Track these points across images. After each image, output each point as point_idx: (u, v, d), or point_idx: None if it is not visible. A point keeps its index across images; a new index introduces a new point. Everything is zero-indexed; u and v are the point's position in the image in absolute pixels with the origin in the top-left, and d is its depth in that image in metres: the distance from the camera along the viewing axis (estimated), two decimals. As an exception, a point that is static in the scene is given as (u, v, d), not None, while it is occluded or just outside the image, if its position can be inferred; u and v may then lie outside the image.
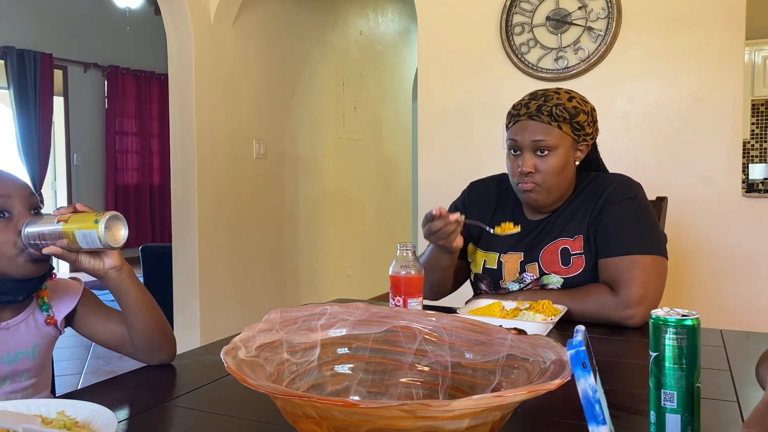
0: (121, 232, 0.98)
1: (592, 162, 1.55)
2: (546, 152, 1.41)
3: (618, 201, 1.41)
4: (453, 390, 0.78)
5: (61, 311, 1.10)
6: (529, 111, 1.42)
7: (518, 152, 1.44)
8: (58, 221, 0.97)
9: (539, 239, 1.48)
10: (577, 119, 1.41)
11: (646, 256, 1.35)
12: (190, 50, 3.45)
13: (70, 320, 1.14)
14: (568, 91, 1.45)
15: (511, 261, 1.50)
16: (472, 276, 1.61)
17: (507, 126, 1.49)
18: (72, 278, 1.17)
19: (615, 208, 1.41)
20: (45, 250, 0.97)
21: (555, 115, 1.40)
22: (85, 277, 1.27)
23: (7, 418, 0.70)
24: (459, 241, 1.40)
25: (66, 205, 6.85)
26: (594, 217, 1.43)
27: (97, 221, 0.94)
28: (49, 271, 1.07)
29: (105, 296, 1.23)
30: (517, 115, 1.45)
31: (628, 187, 1.44)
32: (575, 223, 1.45)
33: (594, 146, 1.53)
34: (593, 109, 1.46)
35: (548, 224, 1.48)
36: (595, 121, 1.46)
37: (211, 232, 3.59)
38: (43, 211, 1.06)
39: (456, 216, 1.35)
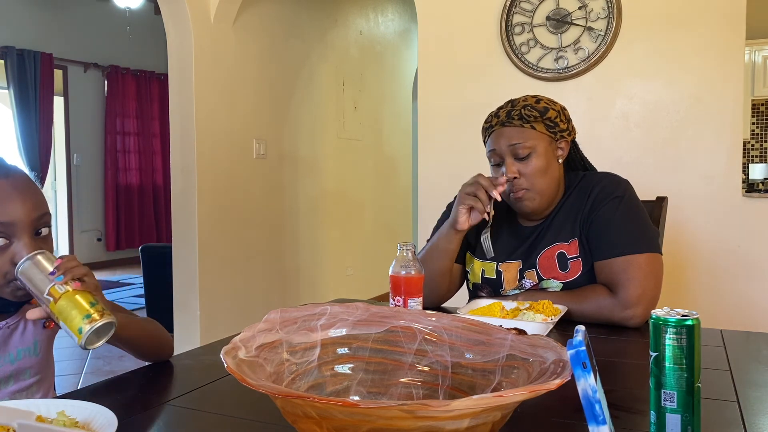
0: (103, 340, 0.89)
1: (577, 162, 1.56)
2: (526, 155, 1.42)
3: (606, 201, 1.41)
4: (453, 390, 0.78)
5: None
6: (500, 119, 1.45)
7: (499, 162, 1.46)
8: (49, 294, 0.87)
9: (535, 245, 1.48)
10: (547, 115, 1.42)
11: (641, 254, 1.35)
12: (190, 50, 3.45)
13: None
14: (534, 95, 1.48)
15: (510, 270, 1.49)
16: (470, 285, 1.60)
17: (484, 141, 1.51)
18: None
19: (604, 209, 1.41)
20: (28, 315, 0.91)
21: (525, 116, 1.42)
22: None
23: (2, 414, 0.70)
24: (465, 225, 1.42)
25: (66, 205, 6.69)
26: (584, 218, 1.43)
27: (81, 330, 0.84)
28: None
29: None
30: (490, 126, 1.48)
31: (615, 185, 1.44)
32: (569, 226, 1.45)
33: (575, 145, 1.54)
34: (563, 108, 1.48)
35: (543, 229, 1.48)
36: (568, 120, 1.48)
37: (211, 232, 3.59)
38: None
39: (496, 194, 1.38)
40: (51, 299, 0.86)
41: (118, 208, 7.65)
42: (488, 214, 1.40)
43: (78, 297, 0.86)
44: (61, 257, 0.91)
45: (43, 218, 0.99)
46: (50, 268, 0.89)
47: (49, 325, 1.08)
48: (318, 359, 0.80)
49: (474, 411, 0.58)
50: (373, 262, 5.25)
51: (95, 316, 0.85)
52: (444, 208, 1.67)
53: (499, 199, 1.38)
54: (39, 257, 0.90)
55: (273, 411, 0.76)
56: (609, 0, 2.67)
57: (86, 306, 0.85)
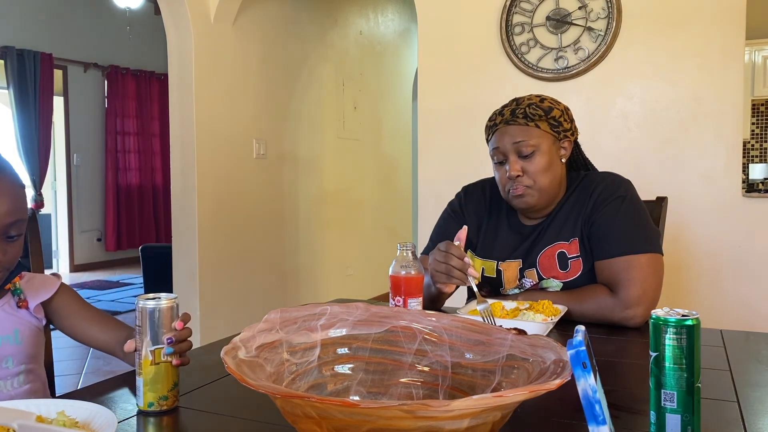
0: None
1: (579, 163, 1.56)
2: (530, 153, 1.42)
3: (609, 201, 1.41)
4: (453, 390, 0.78)
5: (36, 299, 1.12)
6: (504, 118, 1.45)
7: (503, 160, 1.45)
8: (152, 351, 0.87)
9: (535, 244, 1.48)
10: (551, 114, 1.43)
11: (642, 255, 1.35)
12: (190, 50, 3.45)
13: (50, 316, 1.15)
14: (539, 95, 1.48)
15: (510, 269, 1.49)
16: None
17: (487, 139, 1.51)
18: (53, 275, 1.18)
19: (606, 209, 1.41)
20: (126, 347, 0.96)
21: (530, 115, 1.42)
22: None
23: (2, 414, 0.70)
24: (451, 288, 1.35)
25: (66, 205, 6.70)
26: (586, 218, 1.43)
27: (150, 404, 0.86)
28: (17, 271, 1.08)
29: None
30: (494, 125, 1.48)
31: (618, 185, 1.44)
32: (570, 225, 1.45)
33: (577, 146, 1.54)
34: (567, 108, 1.49)
35: (543, 228, 1.48)
36: (572, 120, 1.48)
37: (211, 232, 3.59)
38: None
39: (474, 273, 1.28)
40: (150, 357, 0.87)
41: (118, 208, 7.65)
42: (476, 292, 1.27)
43: (169, 373, 0.88)
44: (182, 318, 0.90)
45: (15, 224, 1.00)
46: (168, 332, 0.88)
47: (23, 304, 1.09)
48: (318, 359, 0.80)
49: (474, 411, 0.58)
50: (373, 262, 5.25)
51: (169, 401, 0.87)
52: (444, 208, 1.67)
53: (477, 281, 1.31)
54: (165, 308, 0.88)
55: (273, 411, 0.76)
56: (609, 0, 2.67)
57: (168, 386, 0.87)
